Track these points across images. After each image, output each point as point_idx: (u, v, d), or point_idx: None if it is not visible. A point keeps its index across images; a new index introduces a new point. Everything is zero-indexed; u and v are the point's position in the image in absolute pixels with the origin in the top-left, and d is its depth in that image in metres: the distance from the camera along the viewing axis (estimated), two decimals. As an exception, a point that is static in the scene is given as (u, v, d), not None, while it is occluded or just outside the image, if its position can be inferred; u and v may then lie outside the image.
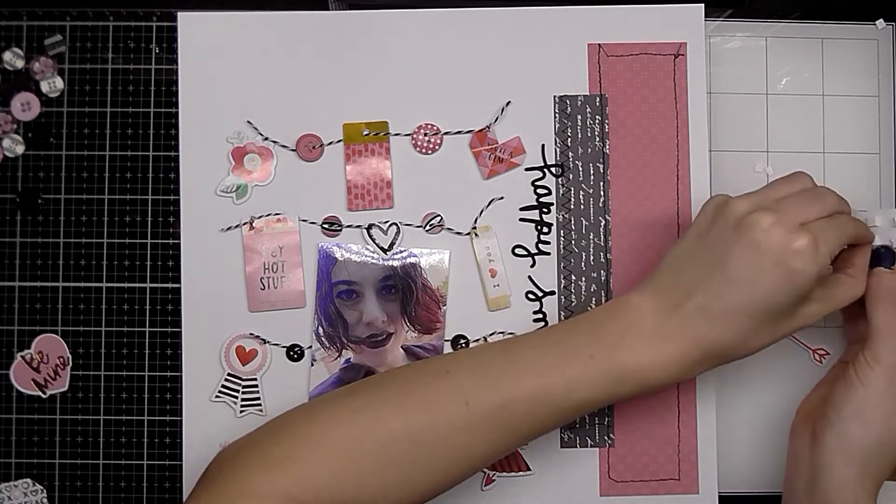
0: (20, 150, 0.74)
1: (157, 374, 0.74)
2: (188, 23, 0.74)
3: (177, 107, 0.74)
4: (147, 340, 0.74)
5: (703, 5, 0.74)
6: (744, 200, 0.63)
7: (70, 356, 0.73)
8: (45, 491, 0.73)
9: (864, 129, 0.77)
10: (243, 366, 0.74)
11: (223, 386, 0.73)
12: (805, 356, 0.75)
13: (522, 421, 0.62)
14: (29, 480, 0.73)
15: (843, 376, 0.66)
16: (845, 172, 0.77)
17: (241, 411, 0.74)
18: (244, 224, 0.74)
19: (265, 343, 0.74)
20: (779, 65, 0.78)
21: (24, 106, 0.74)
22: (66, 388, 0.73)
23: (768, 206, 0.62)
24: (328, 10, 0.76)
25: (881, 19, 0.78)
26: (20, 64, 0.75)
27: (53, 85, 0.74)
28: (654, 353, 0.62)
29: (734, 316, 0.61)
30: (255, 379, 0.74)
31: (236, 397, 0.74)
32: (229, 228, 0.74)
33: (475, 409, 0.62)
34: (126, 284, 0.74)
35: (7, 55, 0.75)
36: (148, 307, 0.74)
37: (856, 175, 0.77)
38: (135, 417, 0.74)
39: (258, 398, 0.73)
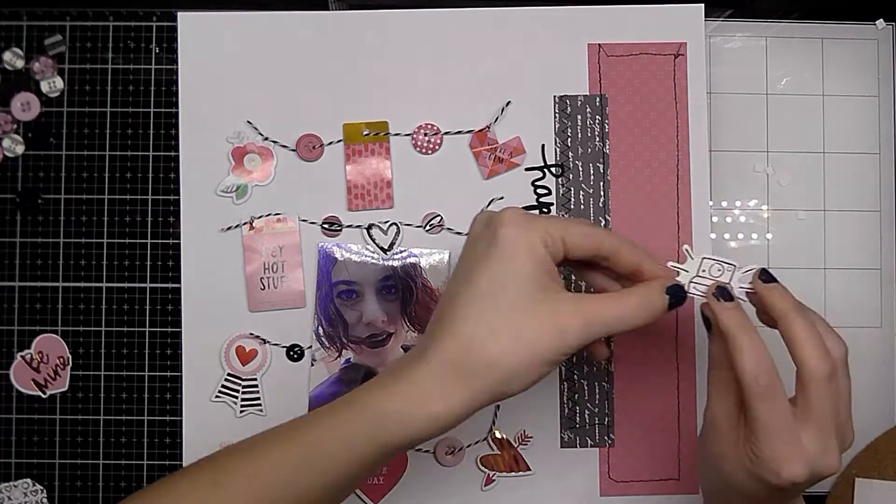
0: (20, 150, 0.74)
1: (157, 373, 0.74)
2: (188, 23, 0.74)
3: (177, 107, 0.74)
4: (147, 340, 0.74)
5: (703, 5, 0.75)
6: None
7: (70, 356, 0.73)
8: (45, 491, 0.73)
9: (864, 129, 0.77)
10: (243, 366, 0.74)
11: (223, 386, 0.73)
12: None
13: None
14: (29, 480, 0.73)
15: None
16: (845, 172, 0.77)
17: (242, 411, 0.74)
18: (244, 224, 0.74)
19: (265, 343, 0.74)
20: (779, 65, 0.78)
21: (24, 106, 0.74)
22: (66, 388, 0.73)
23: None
24: (328, 10, 0.76)
25: (881, 19, 0.78)
26: (20, 64, 0.75)
27: (53, 85, 0.74)
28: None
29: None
30: (255, 379, 0.74)
31: (236, 397, 0.74)
32: (229, 228, 0.74)
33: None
34: (126, 284, 0.74)
35: (7, 55, 0.75)
36: (148, 307, 0.74)
37: (856, 175, 0.77)
38: (135, 417, 0.74)
39: (258, 398, 0.74)
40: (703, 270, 0.61)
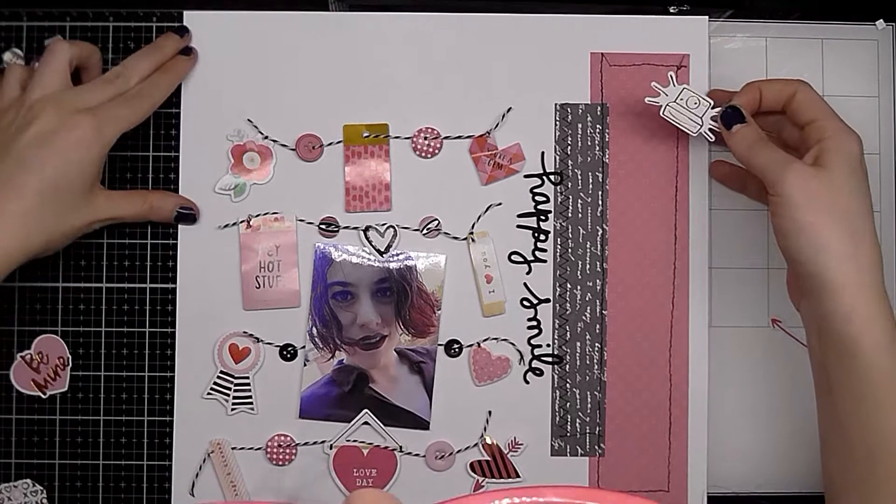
0: (20, 150, 0.74)
1: (157, 374, 0.75)
2: (193, 22, 0.74)
3: (177, 107, 0.74)
4: (147, 341, 0.75)
5: (707, 18, 0.73)
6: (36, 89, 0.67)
7: (70, 356, 0.74)
8: (44, 491, 0.74)
9: (864, 129, 0.75)
10: (236, 364, 0.74)
11: (215, 383, 0.74)
12: (801, 355, 0.74)
13: None
14: (29, 481, 0.74)
15: (779, 231, 0.67)
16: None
17: (233, 409, 0.74)
18: (242, 222, 0.74)
19: (258, 342, 0.75)
20: (779, 65, 0.77)
21: (25, 106, 0.74)
22: (65, 389, 0.74)
23: (54, 96, 0.66)
24: (328, 10, 0.75)
25: (881, 19, 0.77)
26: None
27: (54, 85, 0.74)
28: None
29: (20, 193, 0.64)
30: (248, 377, 0.75)
31: (228, 395, 0.74)
32: (227, 226, 0.75)
33: None
34: (126, 285, 0.75)
35: (7, 55, 0.74)
36: (148, 307, 0.75)
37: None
38: (134, 418, 0.75)
39: (250, 396, 0.74)
40: (682, 99, 0.69)
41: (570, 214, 0.74)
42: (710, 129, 0.68)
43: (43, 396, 0.74)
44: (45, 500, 0.74)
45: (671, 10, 0.75)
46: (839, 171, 0.64)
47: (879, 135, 0.77)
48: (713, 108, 0.68)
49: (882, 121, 0.77)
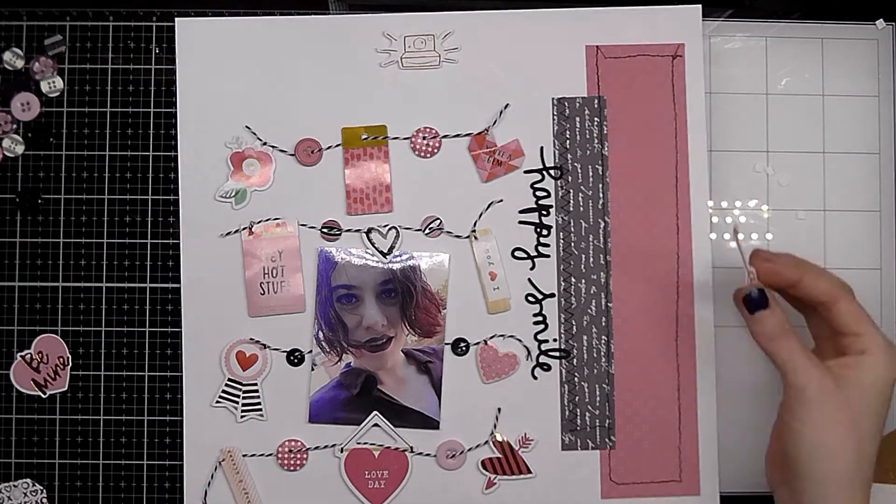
0: (20, 150, 0.75)
1: (157, 374, 0.74)
2: (186, 28, 0.75)
3: (177, 107, 0.75)
4: (147, 340, 0.74)
5: (700, 6, 0.75)
6: None
7: (70, 356, 0.73)
8: (45, 491, 0.73)
9: (864, 129, 0.77)
10: (244, 371, 0.73)
11: (223, 391, 0.73)
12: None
13: None
14: (29, 480, 0.73)
15: (783, 422, 0.64)
16: (845, 172, 0.77)
17: (242, 416, 0.73)
18: (243, 229, 0.74)
19: (265, 348, 0.74)
20: (779, 65, 0.78)
21: (24, 106, 0.75)
22: (65, 388, 0.73)
23: None
24: (328, 10, 0.76)
25: (881, 19, 0.78)
26: (20, 64, 0.75)
27: (53, 85, 0.75)
28: None
29: None
30: (256, 384, 0.73)
31: (237, 402, 0.73)
32: (228, 234, 0.74)
33: None
34: (126, 284, 0.74)
35: (7, 55, 0.75)
36: (148, 307, 0.74)
37: (856, 175, 0.78)
38: (134, 417, 0.74)
39: (259, 403, 0.73)
40: None
41: (571, 208, 0.75)
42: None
43: (43, 396, 0.73)
44: (45, 500, 0.72)
45: None
46: (865, 393, 0.63)
47: (879, 135, 0.78)
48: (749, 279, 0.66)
49: (882, 121, 0.78)
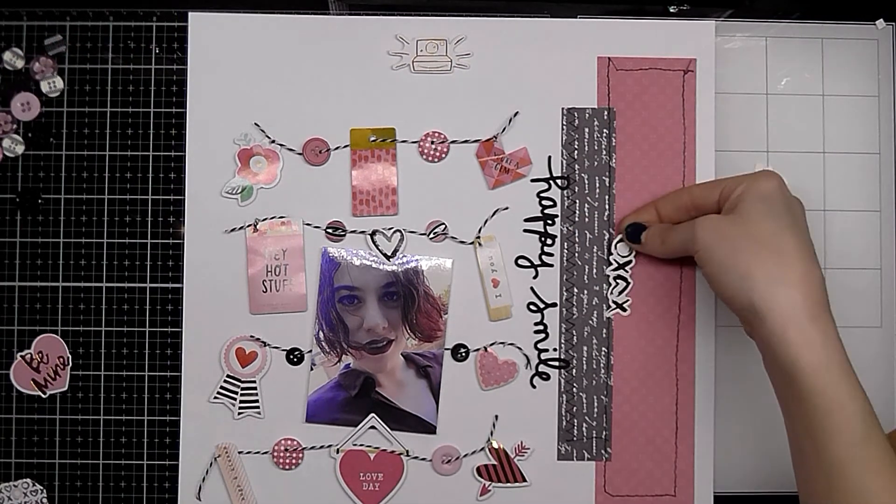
0: (20, 150, 0.74)
1: (157, 374, 0.74)
2: (198, 23, 0.74)
3: (177, 107, 0.74)
4: (147, 340, 0.74)
5: (714, 22, 0.74)
6: None
7: (70, 356, 0.73)
8: (45, 491, 0.73)
9: (864, 129, 0.77)
10: (243, 368, 0.74)
11: (222, 387, 0.74)
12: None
13: None
14: (29, 480, 0.73)
15: (708, 281, 0.67)
16: (845, 172, 0.77)
17: (240, 413, 0.74)
18: (248, 226, 0.74)
19: (265, 346, 0.74)
20: (779, 65, 0.78)
21: (24, 106, 0.74)
22: (65, 388, 0.74)
23: None
24: (328, 10, 0.75)
25: (881, 19, 0.78)
26: (20, 64, 0.74)
27: (53, 85, 0.74)
28: None
29: None
30: (255, 381, 0.74)
31: (235, 399, 0.74)
32: (233, 230, 0.74)
33: None
34: (126, 284, 0.74)
35: (7, 55, 0.74)
36: (148, 307, 0.74)
37: (856, 175, 0.78)
38: (134, 417, 0.74)
39: (257, 400, 0.74)
40: None
41: (576, 219, 0.74)
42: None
43: (43, 396, 0.73)
44: (45, 500, 0.73)
45: (671, 10, 0.76)
46: (751, 205, 0.65)
47: (879, 135, 0.78)
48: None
49: (882, 121, 0.78)
